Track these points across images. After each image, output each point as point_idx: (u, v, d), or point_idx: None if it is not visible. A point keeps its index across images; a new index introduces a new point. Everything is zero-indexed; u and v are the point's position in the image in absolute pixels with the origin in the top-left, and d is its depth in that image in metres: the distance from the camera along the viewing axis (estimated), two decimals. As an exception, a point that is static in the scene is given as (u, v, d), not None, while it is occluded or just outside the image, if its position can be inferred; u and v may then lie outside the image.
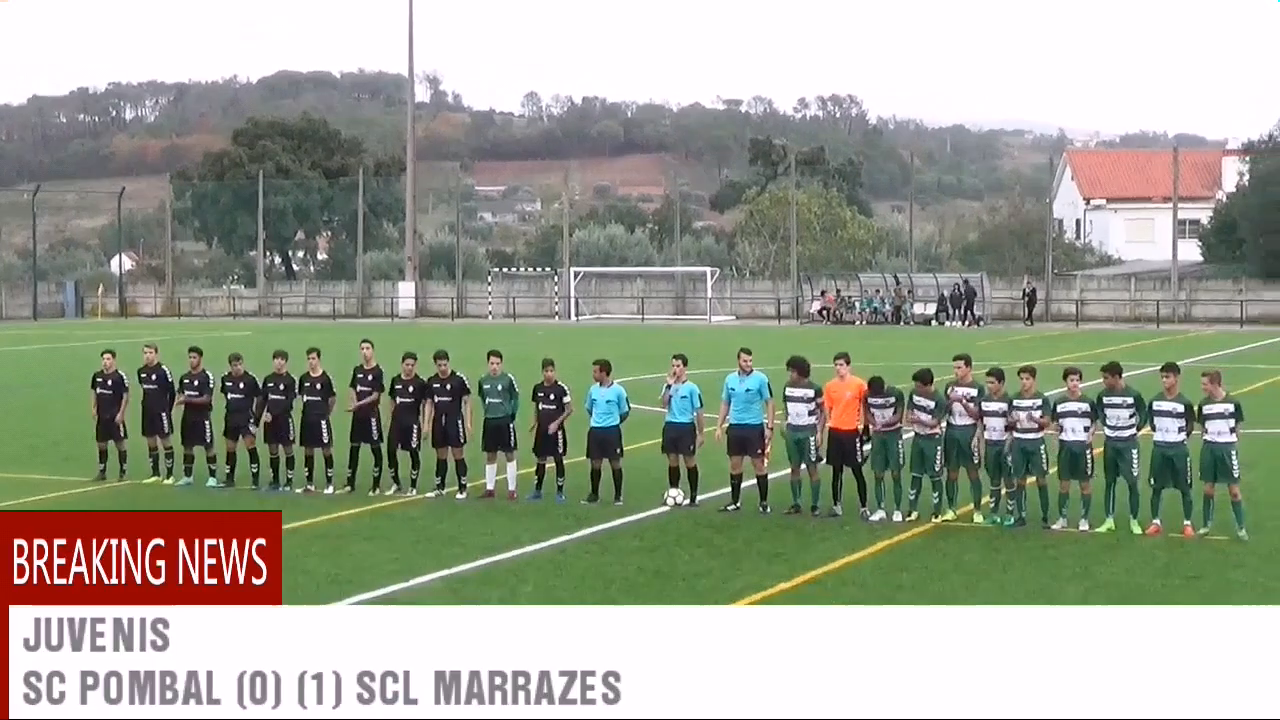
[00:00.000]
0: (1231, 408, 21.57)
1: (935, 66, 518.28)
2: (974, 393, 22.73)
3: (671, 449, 24.20)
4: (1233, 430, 21.49)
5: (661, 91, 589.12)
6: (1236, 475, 21.34)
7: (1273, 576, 19.00)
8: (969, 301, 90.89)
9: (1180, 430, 21.49)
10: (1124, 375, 22.50)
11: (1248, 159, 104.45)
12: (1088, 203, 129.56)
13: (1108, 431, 22.06)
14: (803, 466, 23.54)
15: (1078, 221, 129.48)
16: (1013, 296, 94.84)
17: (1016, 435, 22.29)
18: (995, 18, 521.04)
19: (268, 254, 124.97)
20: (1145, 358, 48.27)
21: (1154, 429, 21.75)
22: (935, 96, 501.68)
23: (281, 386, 26.01)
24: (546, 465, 24.95)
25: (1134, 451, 21.84)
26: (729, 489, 23.95)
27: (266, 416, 25.83)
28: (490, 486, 24.94)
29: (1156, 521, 21.59)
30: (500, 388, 24.91)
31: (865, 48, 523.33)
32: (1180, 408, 21.58)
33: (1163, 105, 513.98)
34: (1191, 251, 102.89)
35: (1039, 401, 22.35)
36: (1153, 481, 21.67)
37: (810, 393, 23.49)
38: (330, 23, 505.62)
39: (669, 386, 24.24)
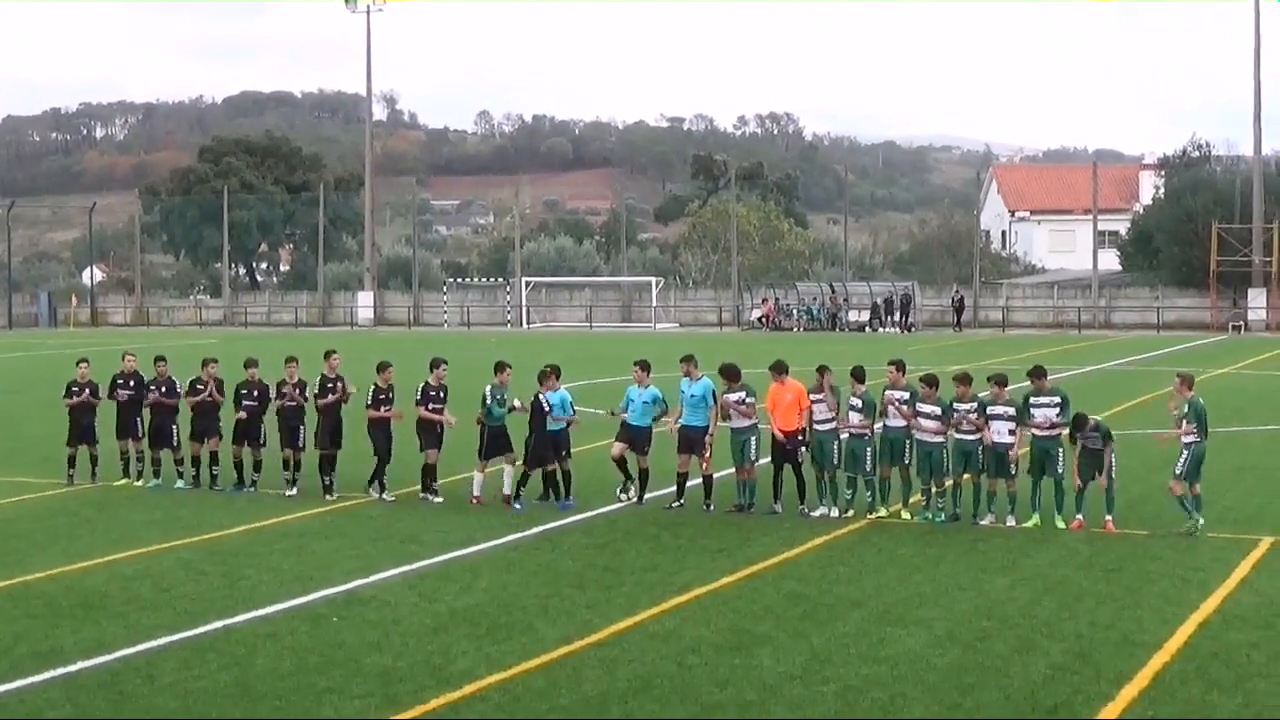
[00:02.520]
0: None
1: (868, 86, 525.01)
2: (906, 395, 23.08)
3: (627, 446, 24.51)
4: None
5: (608, 110, 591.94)
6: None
7: (1188, 568, 19.14)
8: (905, 308, 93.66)
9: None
10: (1049, 377, 23.02)
11: (1163, 173, 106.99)
12: (1012, 215, 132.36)
13: (1035, 431, 22.37)
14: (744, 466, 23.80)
15: (1003, 233, 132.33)
16: (942, 304, 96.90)
17: (957, 436, 22.67)
18: (924, 40, 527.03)
19: (232, 265, 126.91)
20: (1069, 361, 50.50)
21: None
22: (868, 114, 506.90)
23: (255, 393, 26.31)
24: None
25: (1060, 450, 22.22)
26: (674, 487, 24.35)
27: (241, 414, 26.25)
28: (507, 491, 24.54)
29: (1079, 517, 21.96)
30: (504, 397, 24.77)
31: (802, 68, 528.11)
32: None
33: (1083, 122, 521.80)
34: (1110, 261, 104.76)
35: (974, 405, 22.70)
36: (1077, 479, 22.15)
37: (743, 394, 23.84)
38: (292, 45, 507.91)
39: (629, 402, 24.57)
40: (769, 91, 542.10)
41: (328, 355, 26.37)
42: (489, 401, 24.61)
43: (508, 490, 24.52)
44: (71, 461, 27.66)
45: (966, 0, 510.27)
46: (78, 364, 28.38)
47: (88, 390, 27.71)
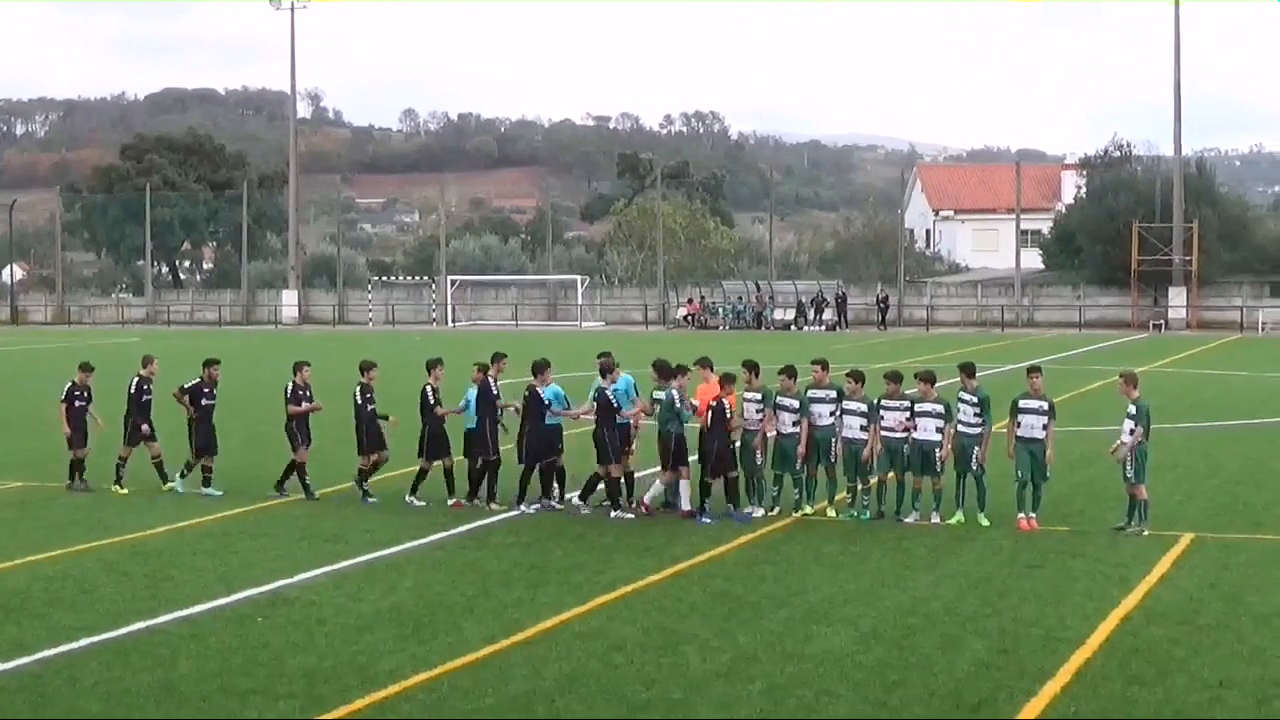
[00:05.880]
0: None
1: (794, 85, 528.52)
2: (833, 394, 23.10)
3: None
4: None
5: (534, 108, 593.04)
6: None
7: (1110, 565, 19.32)
8: (841, 306, 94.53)
9: (1044, 427, 22.07)
10: (977, 376, 23.01)
11: (1084, 173, 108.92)
12: (936, 214, 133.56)
13: (960, 428, 22.43)
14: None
15: (927, 232, 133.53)
16: (867, 303, 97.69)
17: (883, 434, 22.69)
18: (850, 40, 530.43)
19: (155, 264, 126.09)
20: (992, 360, 50.64)
21: (1018, 425, 22.25)
22: (793, 113, 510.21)
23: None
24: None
25: (977, 448, 22.26)
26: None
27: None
28: (686, 506, 23.28)
29: (1023, 515, 22.02)
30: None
31: (728, 68, 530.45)
32: (1045, 405, 22.23)
33: (1006, 122, 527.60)
34: (1033, 260, 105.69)
35: (906, 403, 22.76)
36: (1019, 475, 22.13)
37: (676, 394, 23.33)
38: (216, 42, 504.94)
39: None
40: (695, 90, 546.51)
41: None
42: (677, 405, 23.16)
43: (687, 505, 23.21)
44: (81, 466, 26.52)
45: (890, 1, 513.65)
46: (81, 368, 26.98)
47: (87, 394, 26.61)
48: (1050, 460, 22.19)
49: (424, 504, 24.21)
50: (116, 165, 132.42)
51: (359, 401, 25.08)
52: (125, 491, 25.76)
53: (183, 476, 25.91)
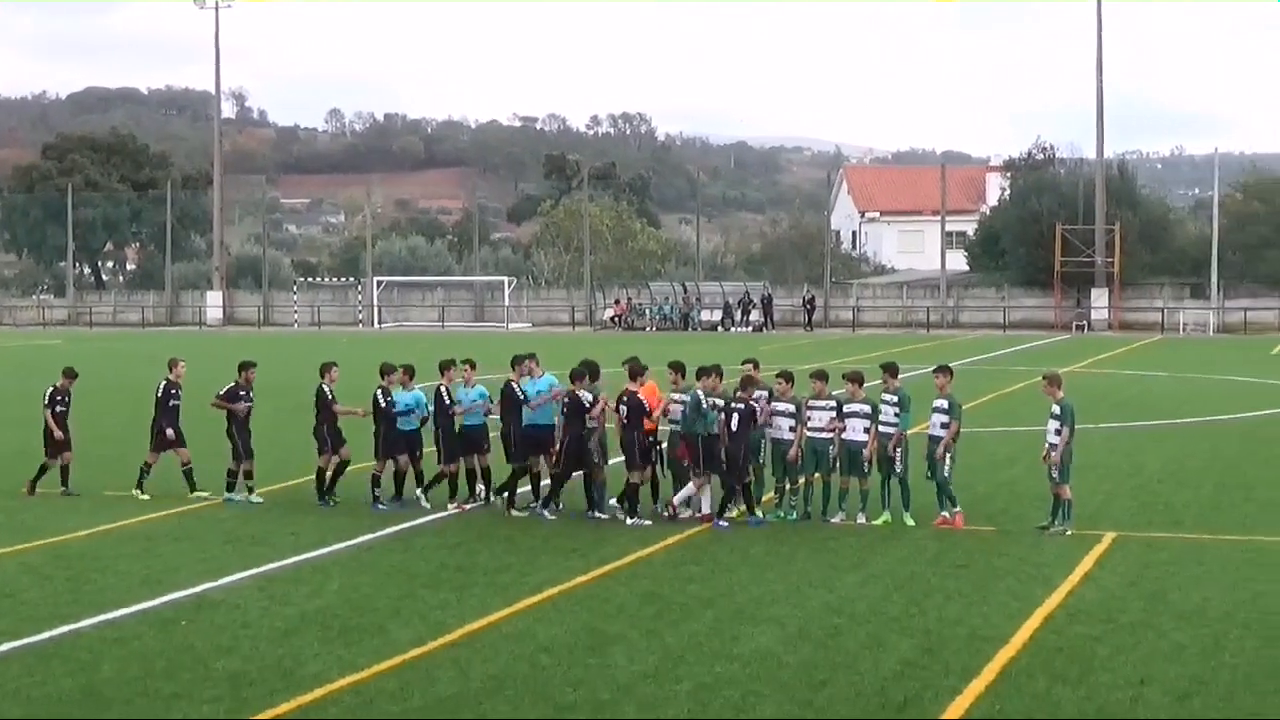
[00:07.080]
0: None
1: (720, 86, 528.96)
2: (766, 394, 23.09)
3: (465, 450, 24.17)
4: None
5: (460, 109, 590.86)
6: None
7: (1034, 564, 19.48)
8: (767, 308, 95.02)
9: (942, 425, 22.07)
10: (899, 376, 23.09)
11: (1009, 175, 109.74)
12: (862, 216, 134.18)
13: (881, 428, 22.50)
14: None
15: (853, 233, 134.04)
16: (793, 304, 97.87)
17: (809, 434, 22.66)
18: (776, 41, 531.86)
19: (77, 265, 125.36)
20: (918, 360, 50.59)
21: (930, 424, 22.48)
22: (720, 115, 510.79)
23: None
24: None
25: (898, 448, 22.32)
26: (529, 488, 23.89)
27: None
28: (708, 510, 22.94)
29: (944, 513, 22.23)
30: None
31: (654, 68, 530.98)
32: (945, 404, 22.20)
33: (931, 124, 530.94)
34: (958, 261, 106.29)
35: (833, 403, 22.83)
36: (927, 473, 22.39)
37: (591, 396, 23.28)
38: (139, 41, 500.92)
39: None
40: (622, 91, 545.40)
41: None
42: (704, 406, 22.68)
43: (708, 509, 22.88)
44: (46, 470, 25.96)
45: (816, 1, 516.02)
46: (65, 373, 26.47)
47: (67, 398, 26.07)
48: (939, 458, 22.10)
49: (457, 508, 23.97)
50: (38, 165, 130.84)
51: (381, 405, 24.53)
52: (147, 497, 25.04)
53: (230, 489, 25.13)
